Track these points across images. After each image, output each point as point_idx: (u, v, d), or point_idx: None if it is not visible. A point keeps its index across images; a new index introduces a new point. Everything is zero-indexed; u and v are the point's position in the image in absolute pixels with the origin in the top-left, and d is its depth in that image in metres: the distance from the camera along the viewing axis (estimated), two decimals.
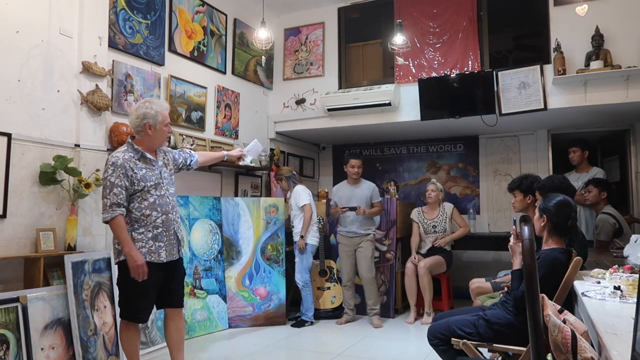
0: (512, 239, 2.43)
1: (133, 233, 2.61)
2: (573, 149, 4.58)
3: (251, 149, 3.27)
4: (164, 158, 2.82)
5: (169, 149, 2.95)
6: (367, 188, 4.53)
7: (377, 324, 4.39)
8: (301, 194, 4.52)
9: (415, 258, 4.67)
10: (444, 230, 4.81)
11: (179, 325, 2.82)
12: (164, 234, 2.68)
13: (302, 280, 4.45)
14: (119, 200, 2.55)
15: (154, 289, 2.67)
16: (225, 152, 3.22)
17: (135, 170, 2.60)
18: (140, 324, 2.83)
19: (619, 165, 5.83)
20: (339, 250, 4.63)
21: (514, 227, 2.45)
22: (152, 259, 2.62)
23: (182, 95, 4.44)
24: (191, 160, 2.98)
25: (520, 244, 2.38)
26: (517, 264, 2.40)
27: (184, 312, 3.91)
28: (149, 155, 2.68)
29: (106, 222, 2.58)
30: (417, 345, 3.77)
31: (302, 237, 4.45)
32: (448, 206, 4.92)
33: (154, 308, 2.81)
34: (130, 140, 2.70)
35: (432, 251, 4.78)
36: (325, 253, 4.85)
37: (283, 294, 4.53)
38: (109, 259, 3.35)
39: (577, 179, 4.37)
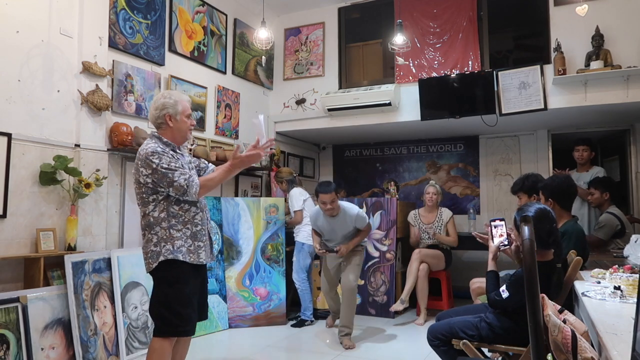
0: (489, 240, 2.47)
1: (171, 230, 2.34)
2: (582, 147, 4.50)
3: (260, 130, 2.60)
4: (188, 155, 2.60)
5: (189, 153, 2.71)
6: (349, 219, 3.84)
7: (348, 345, 3.72)
8: (295, 199, 4.56)
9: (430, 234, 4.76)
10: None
11: (188, 339, 2.57)
12: (203, 232, 2.45)
13: (299, 280, 4.46)
14: (188, 172, 2.33)
15: (196, 296, 2.42)
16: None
17: (176, 157, 2.38)
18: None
19: (619, 165, 5.83)
20: (323, 259, 4.18)
21: (488, 228, 2.48)
22: (192, 259, 2.36)
23: None
24: (206, 170, 2.66)
25: (493, 245, 2.42)
26: (490, 264, 2.43)
27: None
28: (177, 149, 2.46)
29: (198, 196, 2.35)
30: (417, 346, 3.77)
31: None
32: (446, 213, 4.91)
33: None
34: (155, 133, 2.45)
35: (430, 248, 4.82)
36: None
37: (283, 293, 4.53)
38: (109, 259, 3.35)
39: (577, 178, 4.37)
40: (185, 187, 2.28)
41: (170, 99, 2.44)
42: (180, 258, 2.33)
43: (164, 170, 2.28)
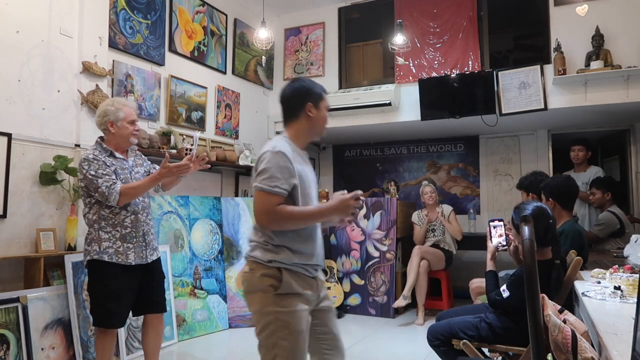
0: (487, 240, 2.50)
1: (100, 232, 2.51)
2: (578, 147, 4.53)
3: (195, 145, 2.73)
4: (135, 159, 2.73)
5: (145, 158, 2.85)
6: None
7: None
8: None
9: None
10: (443, 233, 4.83)
11: (158, 330, 2.75)
12: (133, 234, 2.57)
13: None
14: (112, 180, 2.47)
15: (127, 293, 2.56)
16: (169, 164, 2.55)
17: (107, 164, 2.53)
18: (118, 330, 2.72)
19: (619, 165, 5.83)
20: (292, 320, 1.71)
21: (487, 227, 2.51)
22: (120, 260, 2.51)
23: (182, 95, 4.44)
24: None
25: (491, 245, 2.45)
26: (488, 264, 2.46)
27: (185, 312, 3.92)
28: (118, 154, 2.62)
29: (119, 203, 2.47)
30: (417, 346, 3.77)
31: None
32: (447, 208, 4.93)
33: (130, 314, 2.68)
34: (98, 139, 2.64)
35: (432, 247, 4.84)
36: (326, 253, 4.85)
37: None
38: None
39: (575, 178, 4.37)
40: (106, 194, 2.44)
41: (112, 107, 2.60)
42: (106, 259, 2.49)
43: (90, 177, 2.46)
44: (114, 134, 2.59)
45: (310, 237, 1.83)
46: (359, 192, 1.76)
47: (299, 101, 1.87)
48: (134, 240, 2.58)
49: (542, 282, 2.11)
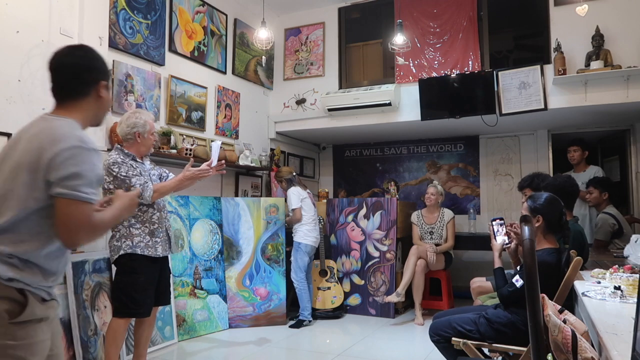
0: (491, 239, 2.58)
1: (131, 229, 2.75)
2: (573, 147, 4.60)
3: (215, 153, 2.95)
4: (150, 162, 3.03)
5: (154, 163, 3.13)
6: None
7: None
8: (292, 197, 4.56)
9: (432, 251, 4.61)
10: (440, 237, 4.82)
11: (153, 322, 3.04)
12: (160, 229, 2.86)
13: (296, 279, 4.47)
14: (144, 179, 2.75)
15: (152, 284, 2.84)
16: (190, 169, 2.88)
17: (134, 166, 2.80)
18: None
19: (619, 165, 5.83)
20: (29, 355, 1.37)
21: (490, 226, 2.59)
22: (149, 253, 2.78)
23: (182, 95, 4.44)
24: (166, 178, 3.04)
25: (496, 243, 2.53)
26: (496, 262, 2.52)
27: (185, 312, 3.92)
28: (138, 159, 2.87)
29: (152, 199, 2.77)
30: (417, 346, 3.77)
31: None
32: (448, 214, 4.91)
33: None
34: (119, 146, 2.89)
35: None
36: (326, 253, 4.86)
37: (283, 293, 4.53)
38: (109, 259, 3.35)
39: (575, 178, 4.38)
40: (141, 191, 2.66)
41: (140, 119, 2.84)
42: (138, 252, 2.74)
43: (122, 177, 2.71)
44: (140, 143, 2.85)
45: (64, 252, 1.46)
46: (137, 191, 1.81)
47: (93, 75, 1.52)
48: (160, 234, 2.86)
49: (558, 268, 2.15)
